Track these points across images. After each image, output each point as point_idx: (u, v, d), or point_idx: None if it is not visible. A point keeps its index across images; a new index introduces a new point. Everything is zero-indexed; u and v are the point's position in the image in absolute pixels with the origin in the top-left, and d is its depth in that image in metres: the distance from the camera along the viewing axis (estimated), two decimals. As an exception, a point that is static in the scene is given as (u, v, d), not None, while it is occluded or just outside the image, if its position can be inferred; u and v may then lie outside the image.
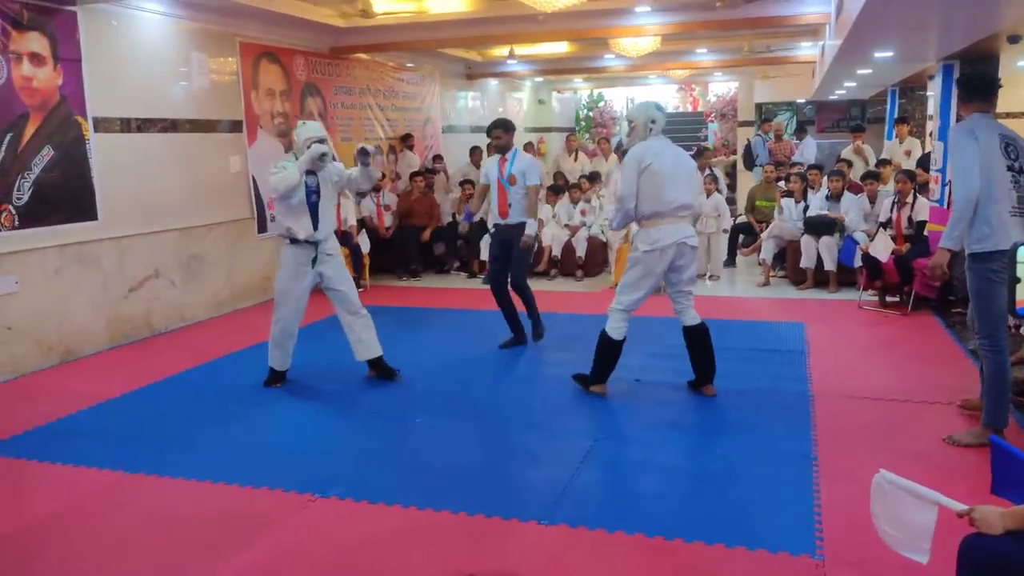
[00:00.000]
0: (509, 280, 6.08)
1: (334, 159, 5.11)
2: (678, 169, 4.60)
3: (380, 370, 5.24)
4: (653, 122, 4.67)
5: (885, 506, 2.19)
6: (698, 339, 4.77)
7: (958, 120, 4.19)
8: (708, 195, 8.60)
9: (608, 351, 4.77)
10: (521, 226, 5.92)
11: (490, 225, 6.37)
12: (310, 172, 4.90)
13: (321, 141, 4.89)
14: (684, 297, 4.74)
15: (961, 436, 4.02)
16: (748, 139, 12.79)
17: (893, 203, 7.15)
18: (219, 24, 7.28)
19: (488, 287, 6.22)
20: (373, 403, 4.88)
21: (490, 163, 6.03)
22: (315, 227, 4.94)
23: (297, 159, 4.90)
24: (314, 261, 4.98)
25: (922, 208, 7.00)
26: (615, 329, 4.72)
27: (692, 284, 4.75)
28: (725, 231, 8.96)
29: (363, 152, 4.99)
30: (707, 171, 9.16)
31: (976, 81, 4.13)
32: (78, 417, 4.71)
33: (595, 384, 4.86)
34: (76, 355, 5.94)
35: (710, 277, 8.57)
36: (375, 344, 5.19)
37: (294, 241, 4.96)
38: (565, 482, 3.65)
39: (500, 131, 5.91)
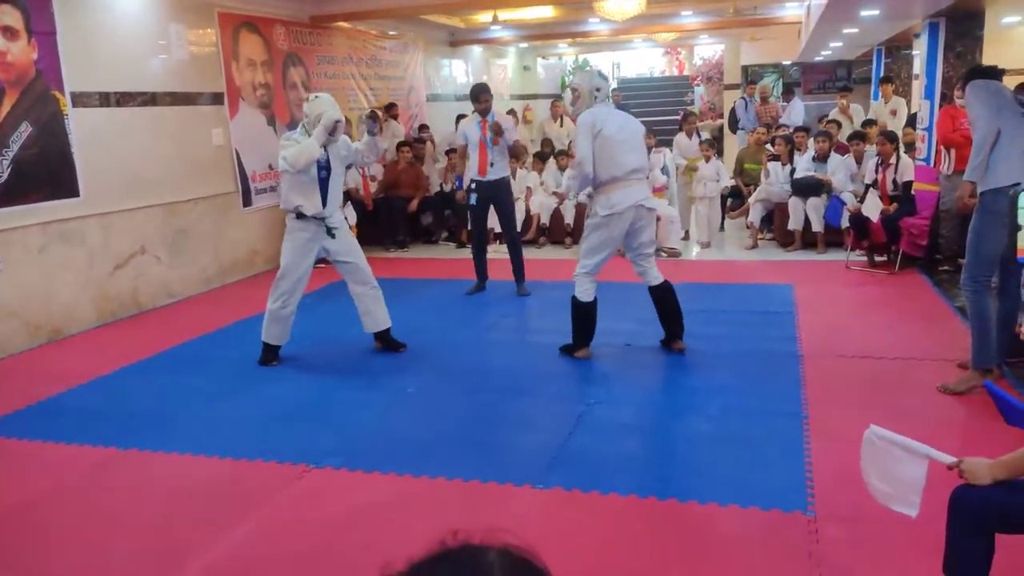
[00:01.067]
0: (505, 237, 6.52)
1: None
2: (626, 134, 4.64)
3: (386, 343, 5.21)
4: (598, 90, 4.71)
5: (875, 461, 2.21)
6: (664, 296, 4.89)
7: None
8: (707, 160, 8.58)
9: (582, 314, 4.85)
10: (504, 181, 6.30)
11: (468, 182, 6.57)
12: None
13: (334, 119, 4.77)
14: (644, 260, 4.84)
15: (954, 384, 4.14)
16: (735, 102, 12.73)
17: (877, 165, 7.16)
18: (196, -6, 7.15)
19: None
20: (365, 373, 4.88)
21: (471, 124, 6.19)
22: (324, 203, 4.85)
23: (308, 133, 4.80)
24: (330, 233, 4.90)
25: (906, 168, 7.00)
26: (583, 292, 4.81)
27: (651, 247, 4.85)
28: (724, 193, 8.90)
29: (372, 118, 4.94)
30: (701, 136, 9.14)
31: (987, 70, 4.28)
32: (68, 395, 4.69)
33: (579, 349, 4.90)
34: (63, 334, 5.90)
35: (705, 245, 8.56)
36: (384, 317, 5.15)
37: (300, 216, 4.88)
38: (558, 446, 3.67)
39: (488, 95, 6.25)
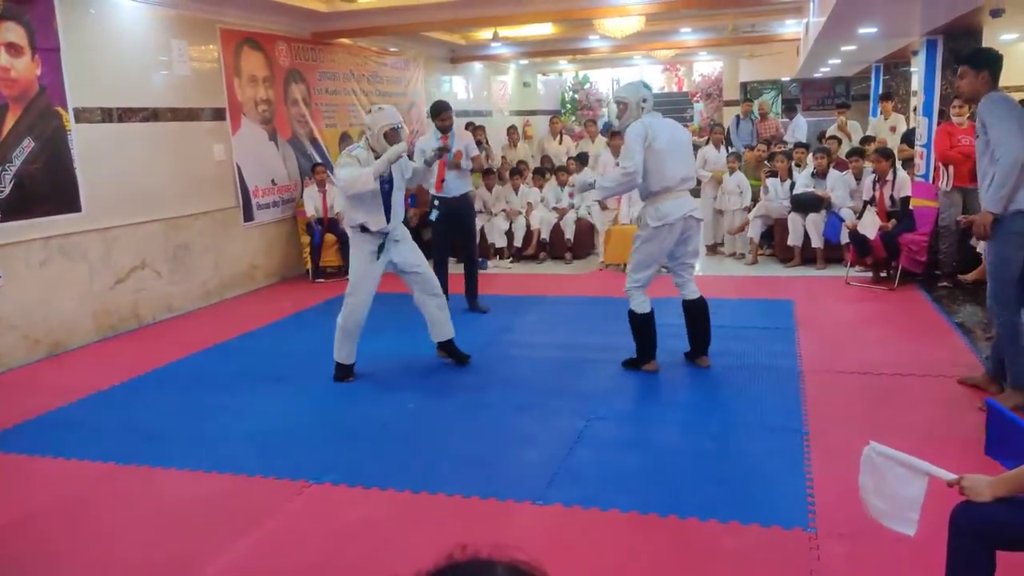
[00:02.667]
0: (461, 253, 6.68)
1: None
2: (675, 144, 4.65)
3: (451, 354, 5.20)
4: (644, 101, 4.71)
5: (874, 478, 2.21)
6: (696, 312, 4.91)
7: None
8: (731, 172, 8.65)
9: (642, 326, 4.87)
10: (465, 197, 6.42)
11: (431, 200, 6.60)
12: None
13: (396, 129, 4.73)
14: (686, 270, 4.87)
15: (1003, 398, 4.00)
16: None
17: (874, 181, 7.18)
18: (199, 11, 7.19)
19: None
20: (365, 390, 4.88)
21: (429, 141, 6.20)
22: (387, 219, 4.81)
23: (370, 146, 4.75)
24: (380, 249, 4.87)
25: (903, 184, 7.03)
26: (639, 304, 4.83)
27: (695, 257, 4.89)
28: (747, 208, 8.62)
29: (441, 151, 4.98)
30: (730, 149, 9.22)
31: (990, 54, 4.16)
32: (68, 410, 4.69)
33: (645, 362, 4.91)
34: (64, 348, 5.90)
35: (730, 254, 8.72)
36: (448, 326, 5.15)
37: (364, 230, 4.83)
38: (559, 462, 3.67)
39: (448, 112, 6.30)
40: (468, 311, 6.51)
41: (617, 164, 4.96)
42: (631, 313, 4.86)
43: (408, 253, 4.99)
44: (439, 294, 5.11)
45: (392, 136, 4.73)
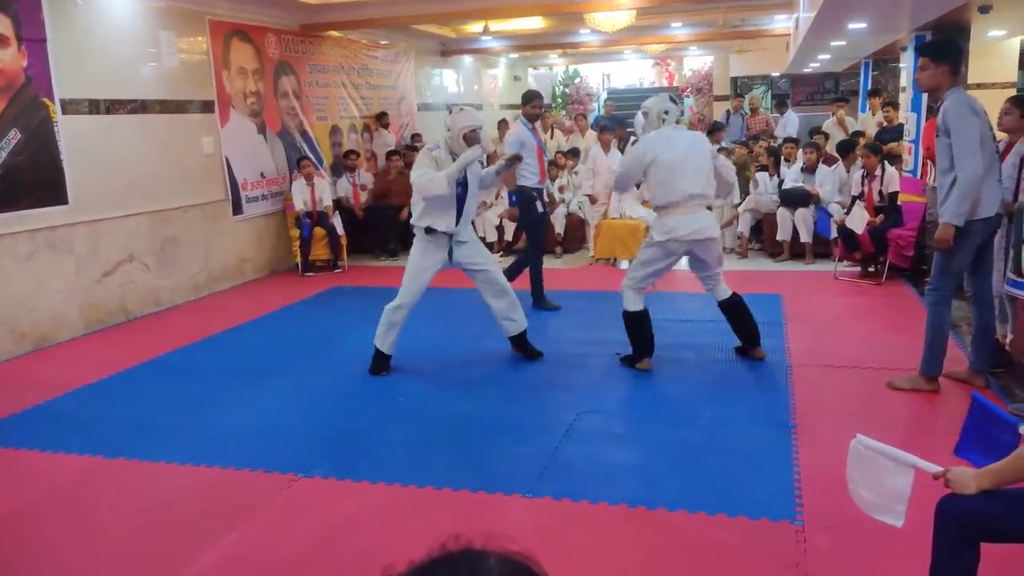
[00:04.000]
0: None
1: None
2: (689, 159, 4.61)
3: (523, 349, 5.13)
4: (666, 112, 4.73)
5: (862, 471, 2.23)
6: (734, 309, 4.92)
7: (920, 87, 4.29)
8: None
9: (635, 324, 4.85)
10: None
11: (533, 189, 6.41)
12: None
13: (476, 131, 4.69)
14: (712, 279, 4.87)
15: (899, 382, 4.31)
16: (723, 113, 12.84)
17: (862, 177, 7.21)
18: (187, 2, 7.14)
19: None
20: (354, 383, 4.87)
21: (523, 131, 6.18)
22: (456, 222, 4.75)
23: (451, 150, 4.70)
24: (450, 254, 4.84)
25: (892, 180, 7.06)
26: (631, 302, 4.82)
27: (719, 265, 4.85)
28: (735, 204, 8.74)
29: (512, 160, 4.97)
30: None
31: (951, 46, 4.19)
32: (55, 403, 4.66)
33: (639, 360, 4.89)
34: (50, 341, 5.86)
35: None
36: (522, 319, 5.11)
37: (430, 231, 4.77)
38: (548, 456, 3.68)
39: (540, 101, 6.20)
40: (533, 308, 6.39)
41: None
42: (623, 312, 4.86)
43: (474, 252, 4.93)
44: (506, 291, 5.00)
45: (472, 138, 4.68)
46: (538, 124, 6.21)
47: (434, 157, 4.70)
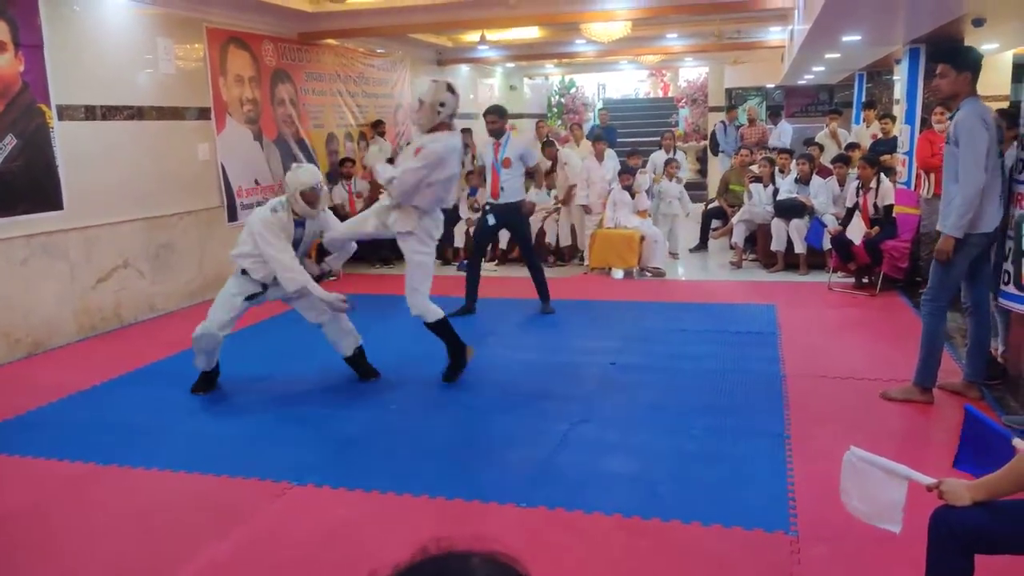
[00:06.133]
0: (524, 259, 6.61)
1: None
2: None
3: (358, 367, 5.04)
4: (442, 105, 4.50)
5: (856, 482, 2.23)
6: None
7: (937, 94, 4.26)
8: (670, 179, 8.85)
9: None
10: (517, 205, 6.30)
11: (484, 203, 6.68)
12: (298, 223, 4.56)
13: (314, 189, 4.48)
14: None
15: (894, 392, 4.34)
16: (714, 126, 12.91)
17: (858, 188, 7.25)
18: (185, 9, 7.15)
19: (463, 273, 6.38)
20: (348, 391, 4.86)
21: (486, 145, 6.33)
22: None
23: (291, 206, 4.49)
24: (254, 296, 4.77)
25: (887, 192, 7.09)
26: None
27: None
28: (688, 215, 9.30)
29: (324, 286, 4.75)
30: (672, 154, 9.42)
31: (973, 53, 4.15)
32: (48, 409, 4.64)
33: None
34: (44, 347, 5.84)
35: (672, 255, 8.90)
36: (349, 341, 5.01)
37: (244, 272, 4.67)
38: (542, 465, 3.67)
39: (494, 116, 6.25)
40: (541, 313, 6.45)
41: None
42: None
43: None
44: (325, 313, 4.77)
45: (310, 197, 4.47)
46: (506, 138, 6.23)
47: (279, 220, 4.45)
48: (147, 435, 4.20)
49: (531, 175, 6.80)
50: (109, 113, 6.39)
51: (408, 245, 4.68)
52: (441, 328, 4.80)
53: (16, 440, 4.17)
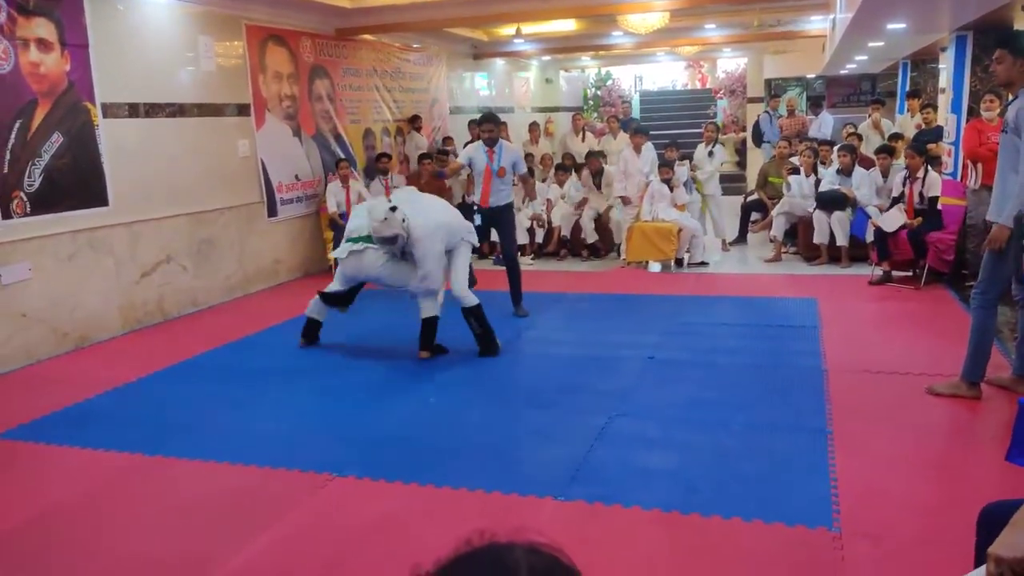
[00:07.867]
0: (504, 259, 6.50)
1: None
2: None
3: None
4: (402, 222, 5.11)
5: None
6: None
7: (998, 76, 4.10)
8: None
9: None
10: (507, 206, 6.34)
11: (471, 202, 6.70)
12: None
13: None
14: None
15: (940, 386, 4.25)
16: (758, 115, 12.71)
17: (905, 178, 7.09)
18: (225, 7, 7.25)
19: (502, 267, 6.41)
20: (387, 384, 4.90)
21: (477, 151, 6.17)
22: None
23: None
24: None
25: (933, 183, 6.93)
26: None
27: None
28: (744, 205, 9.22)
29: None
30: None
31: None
32: (95, 402, 4.75)
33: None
34: (90, 341, 5.98)
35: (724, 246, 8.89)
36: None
37: None
38: (580, 459, 3.66)
39: (492, 125, 6.18)
40: (513, 316, 6.33)
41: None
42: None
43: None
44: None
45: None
46: (500, 147, 6.17)
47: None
48: (191, 427, 4.28)
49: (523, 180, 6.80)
50: (152, 111, 6.51)
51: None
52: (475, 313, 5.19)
53: (62, 432, 4.28)
